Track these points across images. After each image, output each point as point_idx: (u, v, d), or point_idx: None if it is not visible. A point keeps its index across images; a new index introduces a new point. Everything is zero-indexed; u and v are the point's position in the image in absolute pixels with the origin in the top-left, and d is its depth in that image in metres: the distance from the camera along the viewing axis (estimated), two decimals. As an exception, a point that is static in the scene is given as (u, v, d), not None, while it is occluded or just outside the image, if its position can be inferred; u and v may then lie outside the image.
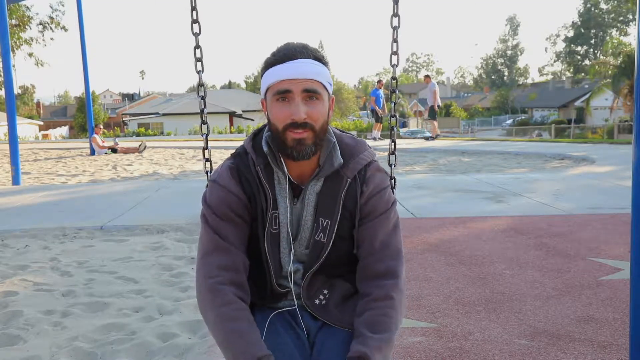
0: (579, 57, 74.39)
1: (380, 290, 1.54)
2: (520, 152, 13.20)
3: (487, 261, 4.14)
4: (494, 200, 6.55)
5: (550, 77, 79.17)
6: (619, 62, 28.10)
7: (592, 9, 70.84)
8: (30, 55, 27.28)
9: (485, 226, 5.26)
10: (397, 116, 2.01)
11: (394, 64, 2.03)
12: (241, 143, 1.69)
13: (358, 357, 1.43)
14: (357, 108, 65.45)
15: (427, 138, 16.82)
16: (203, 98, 2.00)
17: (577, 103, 45.96)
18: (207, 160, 1.93)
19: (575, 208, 5.98)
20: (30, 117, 51.29)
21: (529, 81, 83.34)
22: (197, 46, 1.99)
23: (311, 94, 1.48)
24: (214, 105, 41.49)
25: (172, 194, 7.45)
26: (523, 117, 52.64)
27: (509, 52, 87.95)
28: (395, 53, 2.01)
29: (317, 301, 1.62)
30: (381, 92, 17.34)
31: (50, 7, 47.41)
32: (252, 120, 41.42)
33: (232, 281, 1.52)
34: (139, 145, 16.32)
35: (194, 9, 2.00)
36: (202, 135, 1.99)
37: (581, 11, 72.15)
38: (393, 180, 1.78)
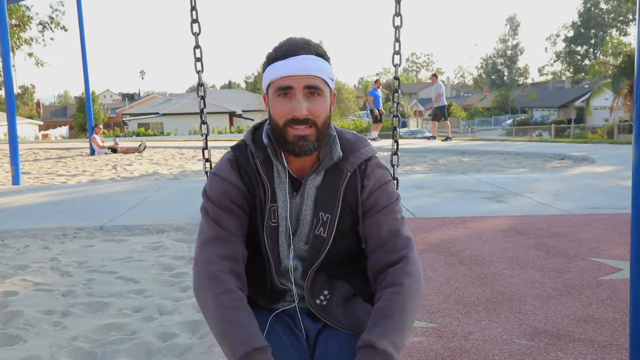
0: (579, 57, 74.41)
1: (390, 278, 1.50)
2: (520, 152, 13.20)
3: (487, 261, 4.14)
4: (494, 200, 6.55)
5: (550, 77, 79.19)
6: (619, 62, 28.10)
7: (592, 9, 70.85)
8: (30, 55, 27.29)
9: (485, 226, 5.26)
10: (400, 116, 2.01)
11: (397, 64, 2.03)
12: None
13: (364, 346, 1.39)
14: (357, 108, 65.41)
15: (444, 139, 16.78)
16: (203, 98, 2.00)
17: (577, 103, 45.97)
18: (207, 160, 1.93)
19: (575, 208, 5.98)
20: (30, 117, 51.30)
21: (529, 81, 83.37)
22: (197, 46, 1.99)
23: (313, 90, 1.48)
24: (214, 105, 41.50)
25: (172, 194, 7.45)
26: (523, 117, 52.65)
27: (508, 52, 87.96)
28: (397, 53, 2.00)
29: (318, 301, 1.60)
30: (379, 92, 17.33)
31: (50, 7, 47.47)
32: (252, 120, 41.41)
33: (232, 270, 1.50)
34: (139, 145, 16.32)
35: (193, 8, 2.00)
36: (202, 136, 1.99)
37: (581, 11, 72.18)
38: (395, 181, 1.77)
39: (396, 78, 2.06)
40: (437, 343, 2.77)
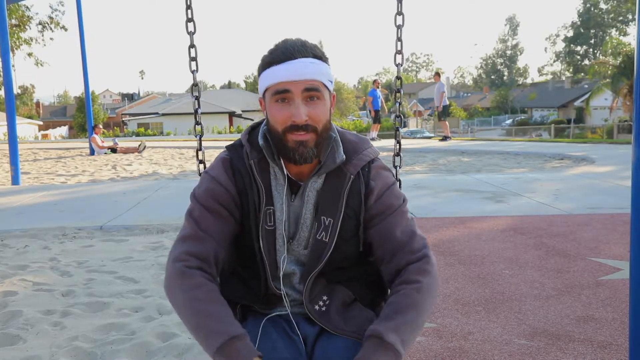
0: (578, 57, 74.39)
1: (408, 274, 1.47)
2: (520, 152, 13.20)
3: (487, 261, 4.14)
4: (493, 200, 6.55)
5: (549, 77, 79.17)
6: (618, 62, 28.10)
7: (592, 9, 70.83)
8: (30, 55, 27.28)
9: (485, 226, 5.26)
10: (402, 116, 1.99)
11: (399, 63, 2.01)
12: None
13: (371, 335, 1.36)
14: (357, 108, 65.42)
15: (442, 138, 16.77)
16: (197, 98, 1.97)
17: (577, 103, 45.98)
18: (201, 162, 1.91)
19: (575, 208, 5.98)
20: (29, 117, 51.27)
21: (529, 81, 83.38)
22: (192, 45, 1.97)
23: (312, 93, 1.43)
24: (214, 105, 41.51)
25: (172, 194, 7.45)
26: (523, 117, 52.66)
27: (508, 52, 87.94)
28: (399, 52, 1.99)
29: (317, 307, 1.55)
30: (378, 92, 17.34)
31: (50, 7, 47.50)
32: (252, 120, 41.40)
33: (201, 268, 1.46)
34: (139, 145, 16.31)
35: (189, 7, 1.98)
36: (196, 137, 1.96)
37: (581, 11, 72.15)
38: (398, 182, 1.75)
39: (398, 77, 2.03)
40: (437, 343, 2.77)
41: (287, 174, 1.52)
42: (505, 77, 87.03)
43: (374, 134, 17.33)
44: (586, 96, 35.83)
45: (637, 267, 1.98)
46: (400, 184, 1.74)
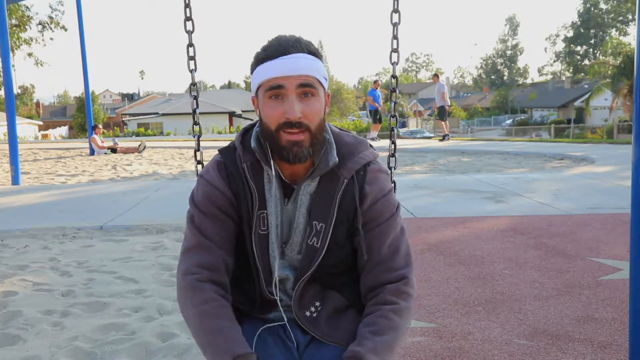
0: (578, 57, 74.39)
1: (387, 295, 1.46)
2: (519, 152, 13.20)
3: (487, 261, 4.14)
4: (493, 200, 6.55)
5: (549, 77, 79.18)
6: (618, 62, 28.11)
7: (592, 9, 70.84)
8: (30, 55, 27.26)
9: (484, 226, 5.26)
10: (397, 116, 1.98)
11: (394, 62, 1.99)
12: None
13: (352, 357, 1.36)
14: (357, 108, 65.41)
15: (441, 138, 16.80)
16: (196, 98, 1.95)
17: (577, 103, 45.99)
18: (199, 162, 1.89)
19: (575, 208, 5.98)
20: (29, 117, 51.26)
21: (529, 81, 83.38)
22: (190, 44, 1.96)
23: (306, 89, 1.39)
24: (214, 105, 41.49)
25: (172, 194, 7.45)
26: (522, 117, 52.68)
27: (508, 52, 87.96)
28: (395, 50, 1.97)
29: (307, 313, 1.52)
30: (378, 92, 17.35)
31: (50, 7, 47.26)
32: (252, 120, 41.33)
33: (212, 279, 1.45)
34: (139, 145, 16.31)
35: (187, 5, 1.96)
36: (194, 137, 1.94)
37: (581, 11, 72.17)
38: (393, 184, 1.71)
39: (394, 76, 2.01)
40: (437, 343, 2.77)
41: (281, 177, 1.48)
42: (505, 77, 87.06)
43: (374, 134, 17.35)
44: (586, 96, 35.83)
45: (637, 267, 1.98)
46: (395, 186, 1.71)
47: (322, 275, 1.51)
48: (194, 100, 1.93)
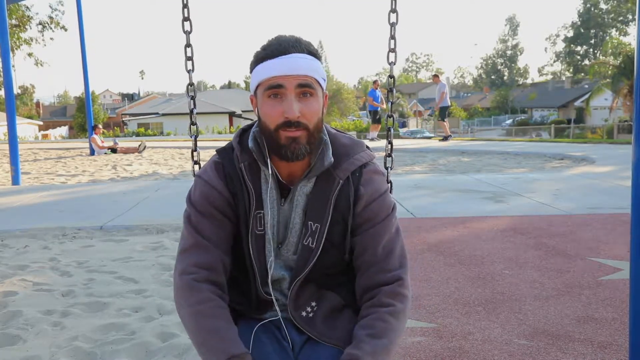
0: (578, 57, 74.39)
1: (383, 297, 1.46)
2: (519, 152, 13.20)
3: (487, 261, 4.14)
4: (493, 200, 6.55)
5: (550, 77, 79.19)
6: (618, 62, 28.11)
7: (592, 9, 70.85)
8: (30, 55, 27.26)
9: (484, 226, 5.26)
10: (395, 116, 1.98)
11: (392, 62, 2.00)
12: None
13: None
14: (357, 108, 65.42)
15: (442, 139, 16.81)
16: (193, 98, 1.97)
17: (577, 103, 46.00)
18: (196, 162, 1.90)
19: (575, 208, 5.98)
20: (29, 117, 51.26)
21: (529, 81, 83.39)
22: (188, 44, 1.97)
23: (305, 89, 1.40)
24: (214, 105, 41.50)
25: (172, 194, 7.44)
26: (523, 117, 52.69)
27: (508, 52, 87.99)
28: (392, 50, 1.97)
29: (303, 313, 1.53)
30: (378, 92, 17.35)
31: (50, 7, 47.34)
32: (252, 120, 41.30)
33: (209, 279, 1.46)
34: (139, 146, 16.30)
35: (185, 6, 1.97)
36: (191, 137, 1.96)
37: (581, 11, 72.17)
38: (389, 184, 1.71)
39: (391, 76, 2.02)
40: (437, 343, 2.77)
41: (278, 177, 1.50)
42: (505, 77, 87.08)
43: (374, 134, 17.35)
44: (586, 96, 35.84)
45: (637, 267, 1.98)
46: (391, 187, 1.72)
47: (318, 276, 1.52)
48: (191, 101, 1.95)
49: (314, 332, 1.52)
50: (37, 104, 69.49)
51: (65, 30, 27.70)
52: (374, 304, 1.47)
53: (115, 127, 40.47)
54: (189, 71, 1.96)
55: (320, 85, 1.45)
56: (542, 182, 7.88)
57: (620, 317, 3.04)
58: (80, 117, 40.71)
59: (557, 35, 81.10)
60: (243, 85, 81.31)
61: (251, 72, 1.48)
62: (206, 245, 1.48)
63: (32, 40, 27.20)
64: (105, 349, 2.81)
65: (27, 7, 26.49)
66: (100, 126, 17.38)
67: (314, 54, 1.46)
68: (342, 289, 1.57)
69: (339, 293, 1.57)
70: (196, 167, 1.90)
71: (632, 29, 61.98)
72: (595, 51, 70.26)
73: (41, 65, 27.60)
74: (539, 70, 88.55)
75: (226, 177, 1.51)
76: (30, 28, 27.27)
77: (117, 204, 6.68)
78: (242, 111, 43.52)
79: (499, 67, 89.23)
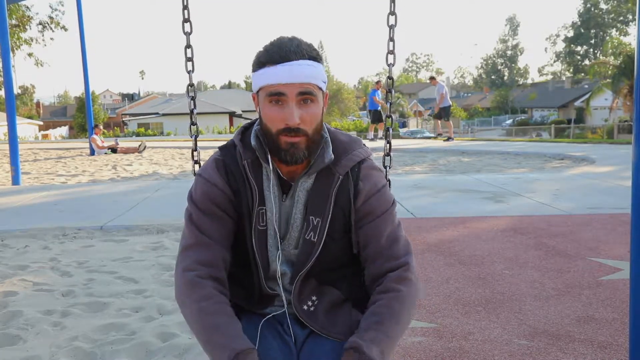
0: (578, 57, 74.35)
1: (389, 283, 1.48)
2: (520, 152, 13.20)
3: (487, 261, 4.14)
4: (493, 200, 6.55)
5: (550, 77, 79.17)
6: (618, 62, 28.12)
7: (592, 9, 70.81)
8: (30, 55, 27.27)
9: (484, 226, 5.26)
10: (394, 117, 2.00)
11: (390, 64, 2.02)
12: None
13: (351, 348, 1.38)
14: (357, 108, 65.44)
15: (446, 139, 16.84)
16: (193, 99, 1.99)
17: (577, 103, 45.99)
18: (196, 162, 1.92)
19: (575, 208, 5.98)
20: (30, 117, 51.28)
21: (529, 81, 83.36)
22: (188, 45, 1.98)
23: (306, 96, 1.43)
24: (214, 105, 41.51)
25: (172, 194, 7.44)
26: (523, 117, 52.70)
27: (508, 52, 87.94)
28: (391, 52, 1.99)
29: (305, 307, 1.56)
30: (379, 92, 17.36)
31: (50, 7, 47.37)
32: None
33: (211, 276, 1.48)
34: (139, 146, 16.30)
35: (185, 7, 1.99)
36: (192, 137, 1.98)
37: (581, 11, 72.13)
38: (388, 182, 1.73)
39: (390, 78, 2.05)
40: (437, 343, 2.77)
41: (279, 174, 1.53)
42: (505, 77, 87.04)
43: (372, 134, 17.37)
44: (586, 96, 35.85)
45: (637, 267, 1.98)
46: (390, 184, 1.74)
47: (319, 270, 1.55)
48: (192, 101, 1.97)
49: (317, 326, 1.54)
50: (37, 104, 69.53)
51: (66, 30, 27.71)
52: (380, 290, 1.49)
53: (116, 127, 40.51)
54: (189, 72, 1.98)
55: (321, 89, 1.48)
56: (542, 182, 7.88)
57: (620, 317, 3.04)
58: (80, 117, 40.71)
59: (557, 35, 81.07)
60: (243, 85, 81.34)
61: (253, 72, 1.49)
62: (208, 243, 1.50)
63: (32, 40, 27.22)
64: (105, 349, 2.81)
65: (27, 7, 26.53)
66: (100, 126, 17.38)
67: (315, 57, 1.47)
68: (342, 284, 1.60)
69: (339, 288, 1.60)
70: (196, 166, 1.91)
71: (632, 29, 61.99)
72: (596, 51, 70.26)
73: (41, 65, 27.61)
74: (539, 70, 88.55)
75: (227, 174, 1.53)
76: (30, 28, 27.30)
77: (117, 204, 6.68)
78: (242, 111, 43.52)
79: (499, 67, 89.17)
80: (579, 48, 74.38)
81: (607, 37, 63.04)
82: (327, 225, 1.51)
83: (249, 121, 1.64)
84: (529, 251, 4.37)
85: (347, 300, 1.60)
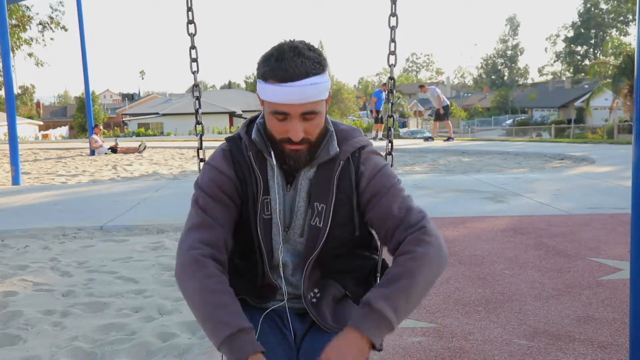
0: (579, 57, 74.36)
1: (404, 246, 1.46)
2: (520, 152, 13.20)
3: (487, 261, 4.14)
4: (493, 200, 6.55)
5: (550, 77, 79.17)
6: (618, 62, 28.12)
7: (592, 9, 70.82)
8: (30, 55, 27.29)
9: (484, 226, 5.26)
10: (395, 116, 2.01)
11: (392, 64, 2.02)
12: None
13: (362, 304, 1.39)
14: (357, 108, 65.44)
15: (446, 139, 16.86)
16: (198, 98, 2.01)
17: (577, 103, 45.99)
18: (202, 160, 1.93)
19: (575, 208, 5.98)
20: (30, 117, 51.29)
21: (529, 81, 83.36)
22: (193, 47, 2.00)
23: (310, 115, 1.45)
24: (214, 105, 41.48)
25: (172, 194, 7.45)
26: (523, 117, 52.69)
27: (509, 52, 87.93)
28: (392, 53, 2.00)
29: (309, 296, 1.58)
30: (384, 95, 17.37)
31: (50, 7, 47.51)
32: (252, 120, 41.33)
33: (213, 256, 1.50)
34: (139, 146, 16.30)
35: (189, 9, 2.00)
36: (197, 136, 2.01)
37: (581, 11, 72.15)
38: (390, 164, 1.77)
39: (391, 78, 2.06)
40: (437, 343, 2.77)
41: (282, 165, 1.55)
42: (505, 77, 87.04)
43: (374, 133, 17.38)
44: (586, 96, 35.85)
45: (637, 267, 1.98)
46: (392, 161, 1.75)
47: (325, 260, 1.57)
48: (197, 101, 1.99)
49: (319, 317, 1.56)
50: (38, 104, 69.54)
51: (66, 30, 27.74)
52: (396, 254, 1.48)
53: (116, 127, 40.51)
54: (194, 73, 2.00)
55: (325, 99, 1.49)
56: (542, 182, 7.88)
57: (620, 317, 3.04)
58: (80, 117, 40.70)
59: (557, 35, 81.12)
60: (243, 85, 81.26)
61: (257, 77, 1.50)
62: (212, 224, 1.53)
63: (32, 40, 27.24)
64: (105, 349, 2.82)
65: (27, 7, 26.55)
66: (100, 126, 17.39)
67: (320, 68, 1.45)
68: (344, 279, 1.63)
69: (341, 282, 1.62)
70: (202, 164, 1.94)
71: (632, 29, 62.02)
72: (596, 51, 70.25)
73: (41, 65, 27.64)
74: (539, 70, 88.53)
75: (234, 163, 1.57)
76: (31, 28, 27.33)
77: (117, 204, 6.68)
78: (242, 111, 43.53)
79: (499, 67, 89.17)
80: (579, 48, 74.39)
81: (607, 37, 63.00)
82: (332, 210, 1.53)
83: (253, 115, 1.67)
84: (529, 251, 4.37)
85: (349, 296, 1.63)
